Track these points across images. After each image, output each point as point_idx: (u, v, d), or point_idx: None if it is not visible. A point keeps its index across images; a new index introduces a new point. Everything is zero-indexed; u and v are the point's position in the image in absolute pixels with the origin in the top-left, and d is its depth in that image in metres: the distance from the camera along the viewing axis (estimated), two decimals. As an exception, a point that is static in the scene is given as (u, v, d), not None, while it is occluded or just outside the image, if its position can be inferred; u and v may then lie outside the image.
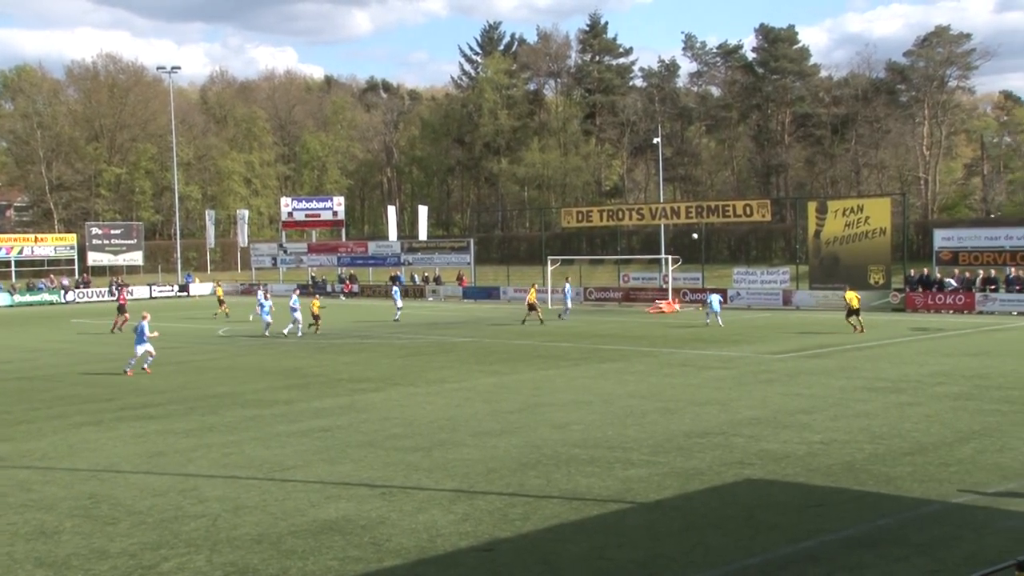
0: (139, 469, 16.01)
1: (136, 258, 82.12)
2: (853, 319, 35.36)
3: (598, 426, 18.71)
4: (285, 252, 76.22)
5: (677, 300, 50.87)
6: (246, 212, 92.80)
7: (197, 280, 79.67)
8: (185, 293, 74.50)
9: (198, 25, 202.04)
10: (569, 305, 46.63)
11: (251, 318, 46.12)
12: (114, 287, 63.79)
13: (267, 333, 39.39)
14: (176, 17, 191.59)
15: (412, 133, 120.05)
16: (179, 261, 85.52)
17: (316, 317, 39.90)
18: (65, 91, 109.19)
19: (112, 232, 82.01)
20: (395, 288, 49.06)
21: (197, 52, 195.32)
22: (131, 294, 62.81)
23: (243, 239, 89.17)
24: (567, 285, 47.73)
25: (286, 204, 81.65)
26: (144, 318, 28.53)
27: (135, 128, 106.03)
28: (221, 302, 52.50)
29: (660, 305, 49.72)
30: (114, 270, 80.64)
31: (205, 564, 11.29)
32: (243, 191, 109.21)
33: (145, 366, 28.20)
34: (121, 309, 44.05)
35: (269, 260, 77.45)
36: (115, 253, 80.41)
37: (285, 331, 39.08)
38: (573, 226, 64.42)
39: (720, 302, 40.84)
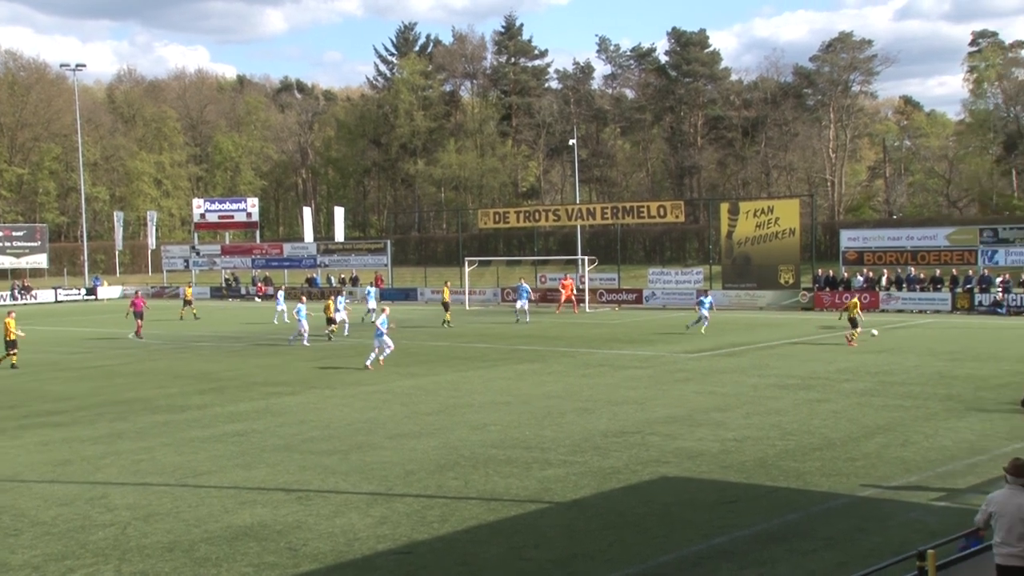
0: (44, 478, 15.55)
1: (40, 261, 79.71)
2: (853, 330, 31.81)
3: (516, 427, 18.78)
4: (198, 254, 74.81)
5: (570, 291, 50.59)
6: (155, 214, 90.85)
7: (106, 283, 77.71)
8: (93, 297, 72.56)
9: (104, 22, 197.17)
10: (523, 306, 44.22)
11: (275, 321, 45.50)
12: (127, 293, 58.98)
13: (306, 341, 35.45)
14: (81, 14, 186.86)
15: (327, 134, 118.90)
16: (86, 264, 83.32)
17: (331, 320, 38.23)
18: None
19: (14, 234, 79.45)
20: (340, 299, 44.68)
21: (104, 50, 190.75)
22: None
23: (152, 241, 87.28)
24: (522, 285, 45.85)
25: (198, 205, 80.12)
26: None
27: (37, 127, 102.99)
28: (188, 303, 52.00)
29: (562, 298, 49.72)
30: (16, 273, 78.16)
31: (114, 574, 11.03)
32: (153, 192, 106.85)
33: None
34: (140, 315, 39.93)
35: (181, 262, 75.94)
36: (17, 256, 77.90)
37: (291, 339, 36.05)
38: (490, 227, 64.55)
39: (712, 305, 38.32)
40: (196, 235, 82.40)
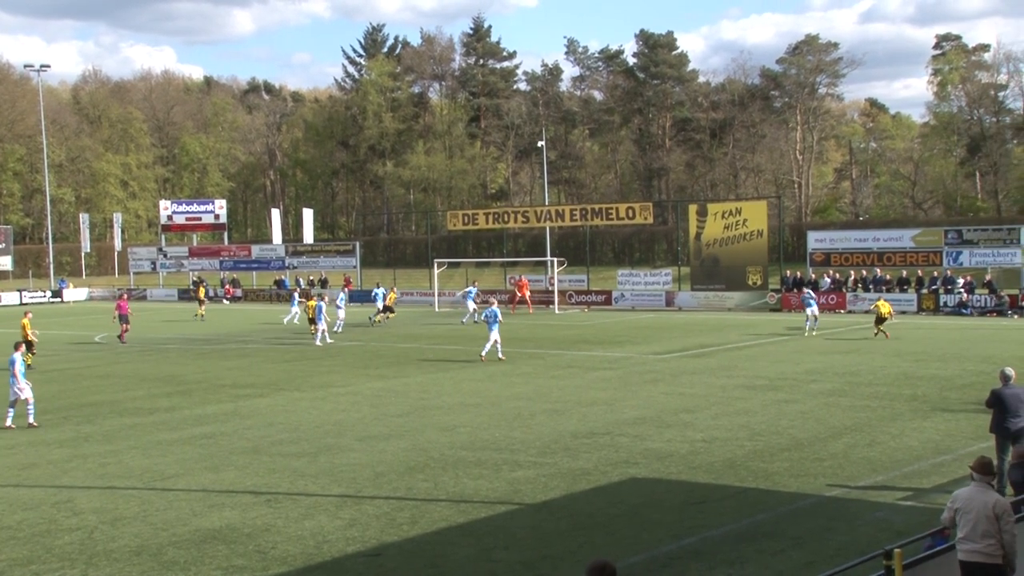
0: (8, 482, 15.37)
1: (4, 263, 78.60)
2: (881, 326, 33.37)
3: (485, 428, 18.79)
4: (165, 256, 74.13)
5: (524, 291, 50.75)
6: (121, 215, 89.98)
7: (71, 285, 76.78)
8: (59, 299, 71.69)
9: (69, 22, 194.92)
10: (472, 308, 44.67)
11: (284, 322, 44.97)
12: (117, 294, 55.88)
13: (317, 341, 35.50)
14: (45, 14, 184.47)
15: (295, 135, 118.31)
16: (52, 266, 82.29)
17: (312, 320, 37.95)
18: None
19: (-22, 236, 78.43)
20: (341, 295, 44.41)
21: (69, 50, 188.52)
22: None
23: (118, 243, 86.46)
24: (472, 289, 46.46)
25: (165, 207, 79.43)
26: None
27: (1, 128, 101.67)
28: (202, 302, 52.30)
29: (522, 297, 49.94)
30: (-20, 275, 77.19)
31: (81, 579, 10.93)
32: (120, 194, 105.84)
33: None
34: (124, 319, 38.68)
35: (148, 264, 75.17)
36: (-19, 257, 76.88)
37: (317, 340, 35.58)
38: (459, 229, 64.52)
39: (813, 297, 37.52)
40: (163, 237, 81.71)
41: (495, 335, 29.57)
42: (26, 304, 66.10)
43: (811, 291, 39.63)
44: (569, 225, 61.84)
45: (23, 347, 22.06)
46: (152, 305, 64.18)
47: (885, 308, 33.87)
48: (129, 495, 14.37)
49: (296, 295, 47.57)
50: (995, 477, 8.49)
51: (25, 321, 31.28)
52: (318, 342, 35.30)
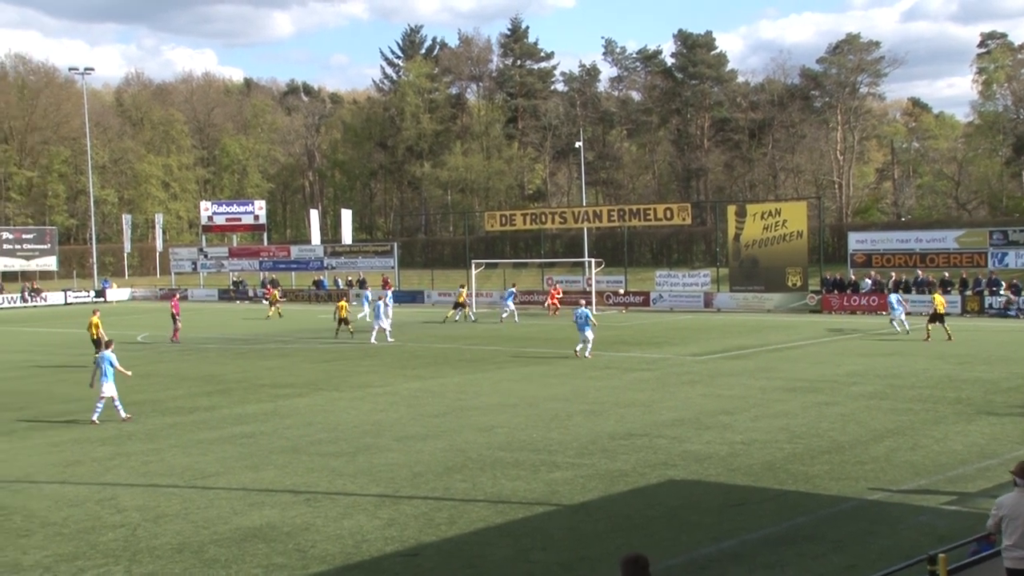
0: (54, 479, 15.60)
1: (50, 263, 79.82)
2: (935, 325, 33.14)
3: (523, 429, 18.78)
4: (205, 256, 74.91)
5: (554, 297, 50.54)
6: (162, 216, 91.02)
7: (114, 285, 77.86)
8: (102, 299, 72.64)
9: (111, 26, 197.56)
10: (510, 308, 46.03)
11: (360, 316, 44.47)
12: (170, 294, 55.77)
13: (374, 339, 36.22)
14: (88, 17, 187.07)
15: (334, 137, 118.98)
16: (95, 266, 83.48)
17: (344, 320, 38.38)
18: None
19: (24, 237, 79.58)
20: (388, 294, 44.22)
21: (112, 53, 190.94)
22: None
23: (159, 244, 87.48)
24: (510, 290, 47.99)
25: (206, 208, 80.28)
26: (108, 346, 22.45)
27: (47, 131, 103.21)
28: (274, 303, 53.04)
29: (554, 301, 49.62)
30: (26, 276, 78.32)
31: (124, 575, 11.06)
32: (161, 195, 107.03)
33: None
34: (174, 319, 39.10)
35: (189, 265, 76.04)
36: (27, 258, 78.01)
37: (373, 338, 36.17)
38: (497, 229, 64.53)
39: (900, 301, 36.57)
40: (204, 237, 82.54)
41: (588, 334, 29.97)
42: (95, 303, 67.07)
43: (898, 296, 38.23)
44: (607, 226, 61.68)
45: (113, 344, 22.42)
46: (194, 305, 64.79)
47: (941, 303, 33.49)
48: (171, 493, 14.53)
49: (368, 294, 47.48)
50: None
51: (95, 319, 31.45)
52: (374, 339, 35.77)
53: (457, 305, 47.19)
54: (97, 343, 30.60)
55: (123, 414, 20.87)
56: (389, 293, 44.22)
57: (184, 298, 69.56)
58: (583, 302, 34.47)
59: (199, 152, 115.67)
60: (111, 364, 20.89)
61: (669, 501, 13.60)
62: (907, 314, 37.29)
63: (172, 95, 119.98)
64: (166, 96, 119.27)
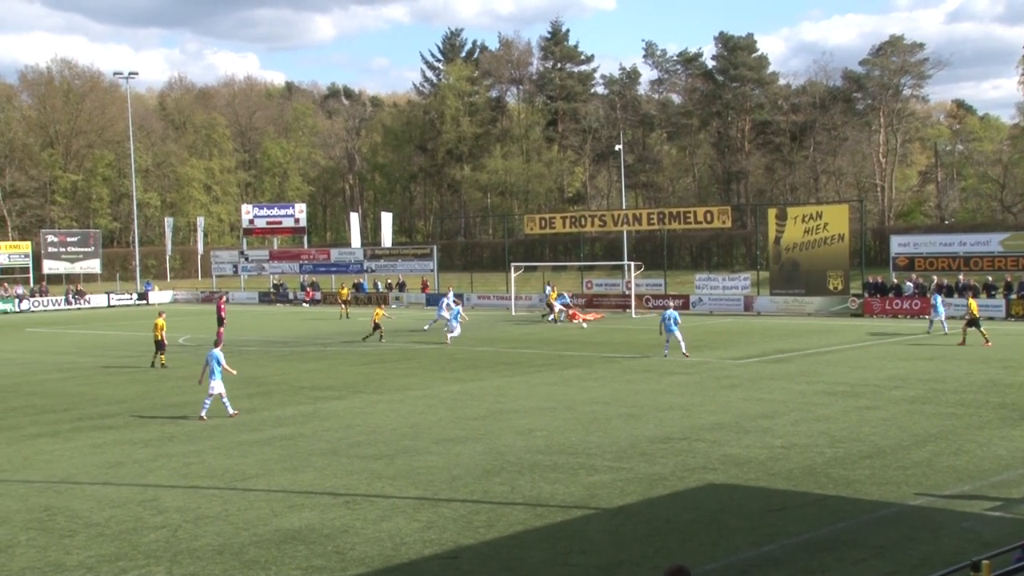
0: (97, 480, 15.81)
1: (93, 266, 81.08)
2: (972, 330, 32.56)
3: (562, 432, 18.75)
4: (246, 259, 75.63)
5: (591, 313, 49.92)
6: (204, 219, 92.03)
7: (156, 288, 78.85)
8: (144, 301, 73.63)
9: (155, 30, 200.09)
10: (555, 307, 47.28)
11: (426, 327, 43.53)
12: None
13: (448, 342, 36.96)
14: (133, 22, 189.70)
15: (374, 140, 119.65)
16: (138, 269, 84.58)
17: (377, 326, 38.62)
18: (19, 96, 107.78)
19: (68, 240, 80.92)
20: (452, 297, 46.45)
21: (155, 58, 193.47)
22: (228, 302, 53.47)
23: (201, 247, 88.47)
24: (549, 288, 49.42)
25: (247, 211, 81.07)
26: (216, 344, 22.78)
27: (91, 134, 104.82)
28: (346, 303, 54.96)
29: (581, 316, 47.85)
30: (71, 278, 79.58)
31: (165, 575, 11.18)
32: (203, 198, 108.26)
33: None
34: (220, 321, 39.51)
35: (230, 267, 76.80)
36: (71, 261, 79.30)
37: (449, 339, 37.12)
38: (536, 233, 64.51)
39: (943, 303, 37.22)
40: (245, 240, 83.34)
41: (678, 335, 30.36)
42: (160, 305, 68.05)
43: (939, 297, 37.96)
44: (646, 229, 61.47)
45: (221, 343, 22.89)
46: (234, 308, 65.37)
47: (975, 307, 33.28)
48: (211, 494, 14.67)
49: (443, 300, 45.31)
50: None
51: (160, 321, 31.52)
52: (450, 341, 36.65)
53: (549, 305, 47.55)
54: (159, 345, 31.06)
55: (231, 410, 21.42)
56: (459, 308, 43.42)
57: (226, 301, 70.37)
58: (671, 304, 34.30)
59: (240, 155, 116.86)
60: (218, 362, 21.40)
61: (708, 505, 13.51)
62: (947, 317, 36.98)
63: (214, 99, 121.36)
64: (208, 100, 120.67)
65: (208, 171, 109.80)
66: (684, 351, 30.23)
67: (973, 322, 32.67)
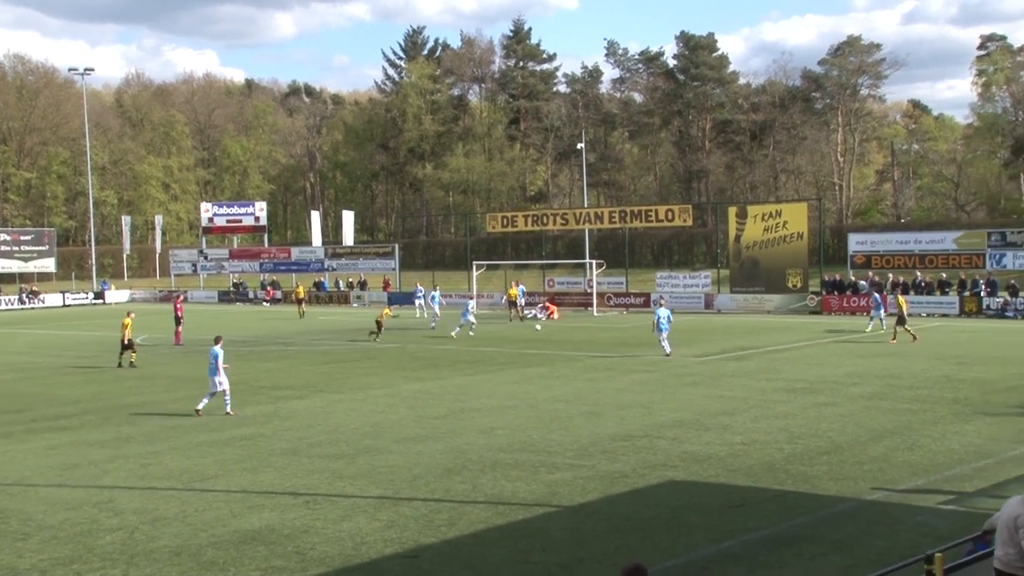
0: (51, 482, 15.58)
1: (48, 265, 79.80)
2: (902, 327, 32.97)
3: (523, 430, 18.77)
4: (206, 258, 74.92)
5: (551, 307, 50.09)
6: (161, 218, 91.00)
7: (113, 287, 77.83)
8: (101, 301, 72.68)
9: (112, 26, 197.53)
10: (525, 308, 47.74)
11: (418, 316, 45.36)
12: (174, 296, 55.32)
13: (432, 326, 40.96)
14: (88, 18, 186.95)
15: (335, 138, 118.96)
16: (94, 268, 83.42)
17: (379, 325, 38.59)
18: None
19: (22, 238, 79.54)
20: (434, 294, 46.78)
21: (112, 54, 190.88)
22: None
23: (159, 245, 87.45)
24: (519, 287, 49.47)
25: (206, 209, 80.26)
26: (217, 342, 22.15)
27: (46, 131, 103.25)
28: (302, 301, 54.19)
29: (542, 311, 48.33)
30: (24, 278, 78.28)
31: (122, 578, 11.05)
32: (161, 196, 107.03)
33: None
34: (177, 320, 39.14)
35: (189, 266, 76.02)
36: (25, 260, 77.93)
37: (453, 333, 38.72)
38: (498, 231, 64.54)
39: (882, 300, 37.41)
40: (204, 239, 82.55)
41: (662, 334, 29.98)
42: (70, 306, 67.03)
43: (878, 294, 38.60)
44: (608, 227, 61.68)
45: (223, 340, 22.55)
46: (194, 307, 64.79)
47: (904, 305, 33.74)
48: (169, 496, 14.51)
49: (434, 294, 46.45)
50: None
51: (127, 320, 31.27)
52: (454, 333, 38.34)
53: (512, 304, 47.45)
54: (127, 344, 30.73)
55: (228, 409, 21.29)
56: (435, 293, 46.50)
57: (184, 300, 69.67)
58: (663, 302, 34.00)
59: (200, 153, 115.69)
60: (217, 359, 21.28)
61: (669, 502, 13.59)
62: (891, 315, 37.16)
63: (173, 96, 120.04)
64: (167, 97, 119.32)
65: (166, 169, 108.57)
66: (666, 351, 29.88)
67: (901, 320, 33.12)
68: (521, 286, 49.98)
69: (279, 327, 46.22)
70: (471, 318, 40.01)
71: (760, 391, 22.87)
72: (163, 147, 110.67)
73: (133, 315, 32.67)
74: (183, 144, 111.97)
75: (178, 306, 40.24)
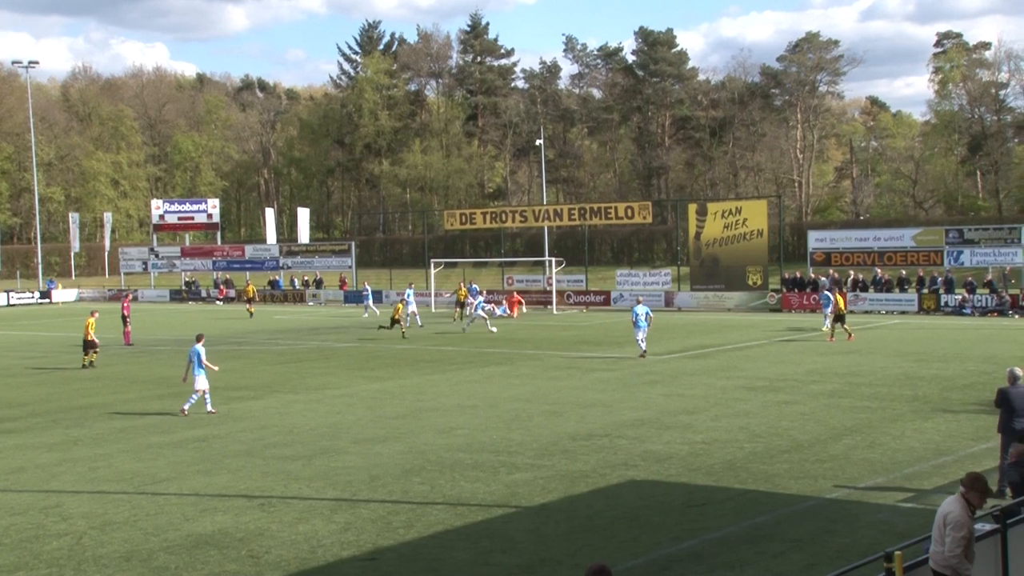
0: (-2, 486, 15.14)
1: (-9, 263, 78.11)
2: (838, 326, 33.00)
3: (483, 430, 18.57)
4: (156, 256, 73.73)
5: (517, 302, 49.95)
6: (110, 215, 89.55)
7: (60, 286, 76.30)
8: (47, 300, 71.28)
9: (57, 18, 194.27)
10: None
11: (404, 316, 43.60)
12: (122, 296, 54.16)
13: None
14: (32, 9, 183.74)
15: (290, 134, 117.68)
16: (40, 266, 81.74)
17: (396, 320, 38.43)
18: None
19: (-35, 236, 77.91)
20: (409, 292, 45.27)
21: (58, 46, 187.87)
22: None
23: (108, 243, 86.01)
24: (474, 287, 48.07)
25: (157, 206, 78.97)
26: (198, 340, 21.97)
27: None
28: (251, 300, 52.67)
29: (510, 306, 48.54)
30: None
31: (69, 586, 10.70)
32: (110, 193, 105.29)
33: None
34: (124, 320, 38.30)
35: (140, 265, 74.73)
36: (-33, 258, 76.27)
37: (465, 327, 39.91)
38: (456, 228, 64.29)
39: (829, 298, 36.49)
40: (155, 237, 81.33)
41: (639, 333, 29.14)
42: (15, 306, 65.74)
43: (828, 292, 38.44)
44: (567, 225, 61.69)
45: (204, 338, 22.15)
46: (145, 306, 63.95)
47: (843, 303, 33.90)
48: (119, 500, 14.14)
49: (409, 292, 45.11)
50: (973, 489, 8.37)
51: (91, 320, 30.62)
52: (465, 328, 39.32)
53: (460, 304, 46.22)
54: (88, 345, 30.09)
55: (210, 407, 20.97)
56: (409, 291, 44.95)
57: (134, 299, 68.57)
58: (640, 299, 33.22)
59: (150, 149, 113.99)
60: (200, 358, 20.95)
61: (630, 502, 13.47)
62: (845, 312, 37.11)
63: (122, 90, 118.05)
64: (115, 91, 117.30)
65: (115, 165, 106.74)
66: (642, 349, 29.17)
67: (840, 318, 33.20)
68: (474, 286, 48.06)
69: (232, 326, 45.60)
70: (481, 312, 39.76)
71: (721, 389, 22.86)
72: (112, 142, 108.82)
73: (97, 314, 32.01)
74: (133, 140, 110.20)
75: (126, 305, 39.50)
